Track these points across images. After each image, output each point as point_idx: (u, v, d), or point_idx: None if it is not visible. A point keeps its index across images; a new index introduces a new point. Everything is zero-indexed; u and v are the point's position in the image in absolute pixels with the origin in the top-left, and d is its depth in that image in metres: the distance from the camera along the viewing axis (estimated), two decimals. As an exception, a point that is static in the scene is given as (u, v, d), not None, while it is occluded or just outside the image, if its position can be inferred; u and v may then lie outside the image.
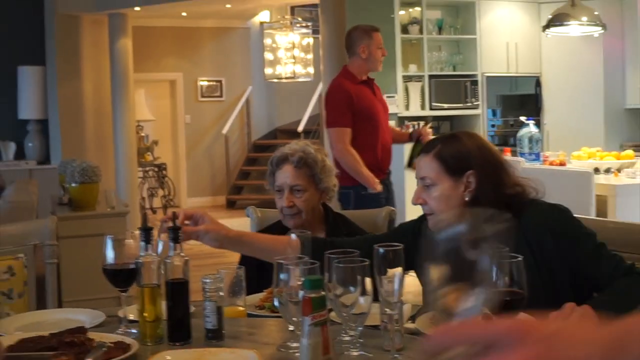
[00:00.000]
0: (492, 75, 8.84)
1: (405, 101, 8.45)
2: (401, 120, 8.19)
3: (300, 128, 10.92)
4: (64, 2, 8.56)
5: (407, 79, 8.51)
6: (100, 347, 1.57)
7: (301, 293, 1.55)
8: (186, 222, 2.03)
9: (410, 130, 5.09)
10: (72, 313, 2.13)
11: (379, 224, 2.91)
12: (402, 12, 8.50)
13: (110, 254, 1.90)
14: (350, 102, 4.33)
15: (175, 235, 1.85)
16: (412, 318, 1.87)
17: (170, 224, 1.88)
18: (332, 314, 1.63)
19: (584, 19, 6.59)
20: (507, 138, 8.74)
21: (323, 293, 1.53)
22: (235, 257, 2.57)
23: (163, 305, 1.84)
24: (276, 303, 1.71)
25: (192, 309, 1.89)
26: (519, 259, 1.55)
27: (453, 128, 8.56)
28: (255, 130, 12.36)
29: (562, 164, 6.38)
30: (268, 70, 10.79)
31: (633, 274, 1.92)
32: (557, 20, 6.64)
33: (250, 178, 12.02)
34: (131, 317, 1.92)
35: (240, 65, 12.15)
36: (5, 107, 8.52)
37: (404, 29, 8.50)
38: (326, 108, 4.51)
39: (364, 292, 1.58)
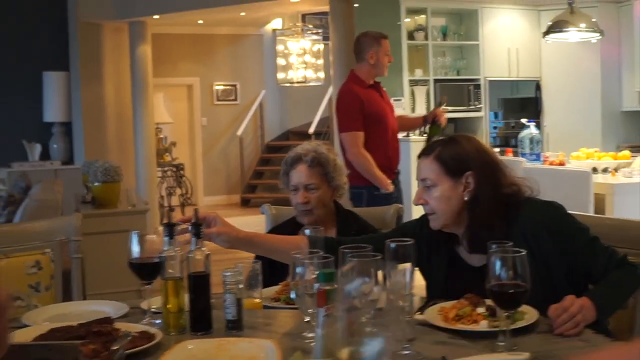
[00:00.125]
0: (494, 79, 8.88)
1: (411, 104, 8.52)
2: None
3: (311, 130, 10.94)
4: (87, 11, 8.59)
5: (413, 83, 8.59)
6: (126, 336, 1.58)
7: (316, 286, 1.59)
8: None
9: (425, 114, 4.94)
10: (96, 305, 2.15)
11: (388, 220, 2.93)
12: (408, 20, 8.57)
13: (135, 249, 1.95)
14: (361, 107, 4.34)
15: (197, 230, 1.87)
16: (421, 309, 1.93)
17: (188, 225, 1.91)
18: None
19: (583, 25, 6.61)
20: (509, 139, 8.77)
21: (336, 286, 1.56)
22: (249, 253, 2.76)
23: (186, 297, 1.87)
24: (293, 295, 1.73)
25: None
26: (523, 253, 1.63)
27: (457, 130, 8.52)
28: (268, 132, 12.40)
29: (561, 164, 6.45)
30: (280, 75, 10.89)
31: (625, 265, 1.98)
32: (556, 26, 6.67)
33: (263, 177, 12.05)
34: (153, 308, 1.95)
35: (254, 70, 12.17)
36: (31, 110, 8.57)
37: (410, 36, 8.59)
38: (338, 113, 4.50)
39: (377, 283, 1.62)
